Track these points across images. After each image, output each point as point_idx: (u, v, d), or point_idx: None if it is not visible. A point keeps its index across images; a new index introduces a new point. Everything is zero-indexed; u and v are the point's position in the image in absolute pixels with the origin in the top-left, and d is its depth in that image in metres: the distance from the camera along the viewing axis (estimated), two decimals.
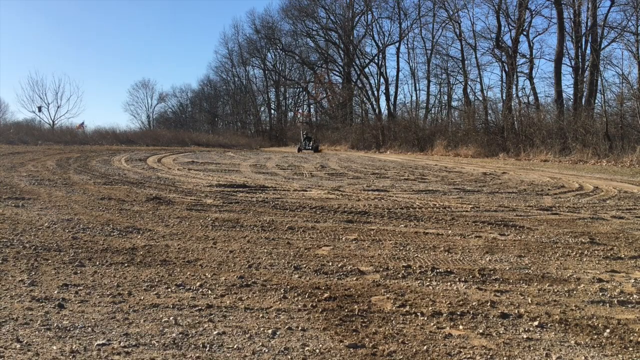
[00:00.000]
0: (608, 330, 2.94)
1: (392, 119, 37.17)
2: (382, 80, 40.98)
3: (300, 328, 2.90)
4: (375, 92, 41.58)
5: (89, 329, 2.82)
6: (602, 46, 25.11)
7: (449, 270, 4.13)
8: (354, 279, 3.88)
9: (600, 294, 3.61)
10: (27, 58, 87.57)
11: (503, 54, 30.15)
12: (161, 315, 3.04)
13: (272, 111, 56.70)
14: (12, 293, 3.36)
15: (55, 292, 3.41)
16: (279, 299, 3.39)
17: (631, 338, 2.84)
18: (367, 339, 2.76)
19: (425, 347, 2.67)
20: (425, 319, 3.08)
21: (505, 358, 2.59)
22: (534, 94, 28.51)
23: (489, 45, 31.88)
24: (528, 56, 29.22)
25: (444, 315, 3.14)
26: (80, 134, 38.23)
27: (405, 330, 2.89)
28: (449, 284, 3.79)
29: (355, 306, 3.26)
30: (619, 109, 22.59)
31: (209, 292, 3.49)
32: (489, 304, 3.34)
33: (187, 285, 3.63)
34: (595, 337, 2.86)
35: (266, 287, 3.61)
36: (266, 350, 2.60)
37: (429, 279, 3.90)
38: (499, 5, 29.80)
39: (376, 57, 41.68)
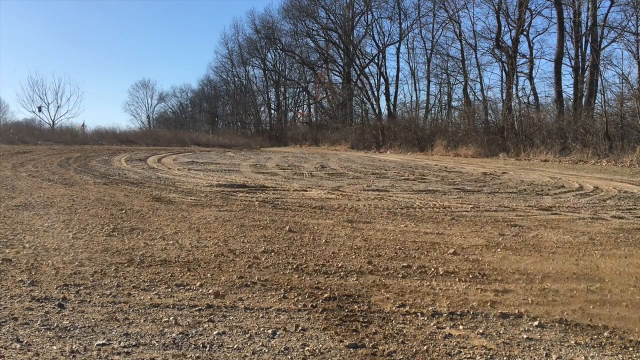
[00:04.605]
0: (608, 330, 2.94)
1: (392, 119, 37.13)
2: (382, 80, 40.95)
3: (300, 328, 2.90)
4: (375, 92, 41.56)
5: (89, 329, 2.82)
6: (602, 46, 25.10)
7: (449, 270, 4.13)
8: (354, 279, 3.88)
9: (600, 294, 3.61)
10: (27, 58, 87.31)
11: (503, 54, 30.14)
12: (161, 315, 3.04)
13: (272, 111, 56.66)
14: (12, 293, 3.36)
15: (55, 292, 3.41)
16: (279, 299, 3.39)
17: (631, 338, 2.84)
18: (367, 339, 2.76)
19: (425, 347, 2.67)
20: (425, 319, 3.08)
21: (505, 358, 2.59)
22: (534, 94, 28.50)
23: (489, 45, 31.87)
24: (528, 56, 29.21)
25: (444, 315, 3.14)
26: (80, 134, 38.18)
27: (405, 330, 2.89)
28: (449, 284, 3.79)
29: (355, 306, 3.26)
30: (619, 109, 22.58)
31: (209, 292, 3.49)
32: (489, 304, 3.34)
33: (187, 285, 3.63)
34: (595, 337, 2.86)
35: (266, 287, 3.62)
36: (266, 350, 2.60)
37: (429, 279, 3.90)
38: (499, 5, 29.80)
39: (376, 57, 41.65)
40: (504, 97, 29.20)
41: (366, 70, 42.88)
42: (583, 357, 2.61)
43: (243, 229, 5.60)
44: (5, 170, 12.01)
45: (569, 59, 26.94)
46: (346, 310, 3.20)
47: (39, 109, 44.92)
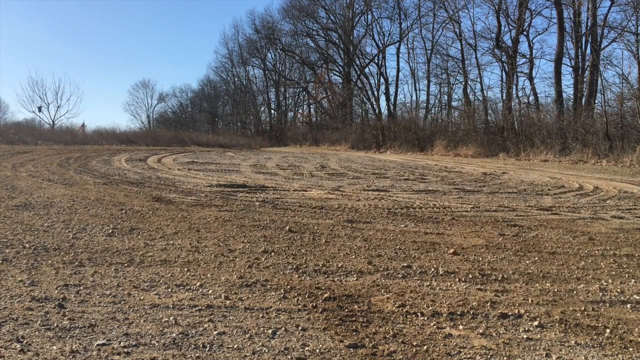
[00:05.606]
0: (608, 330, 2.94)
1: (392, 119, 37.13)
2: (382, 80, 40.96)
3: (300, 328, 2.90)
4: (375, 92, 41.56)
5: (89, 329, 2.82)
6: (602, 46, 25.10)
7: (449, 270, 4.13)
8: (354, 279, 3.88)
9: (600, 294, 3.61)
10: (27, 58, 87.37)
11: (503, 54, 30.14)
12: (161, 315, 3.04)
13: (272, 111, 56.67)
14: (12, 293, 3.37)
15: (55, 292, 3.41)
16: (279, 299, 3.39)
17: (631, 338, 2.84)
18: (367, 339, 2.76)
19: (425, 347, 2.67)
20: (425, 319, 3.08)
21: (505, 358, 2.59)
22: (534, 94, 28.50)
23: (489, 45, 31.88)
24: (528, 56, 29.21)
25: (444, 315, 3.14)
26: (80, 134, 38.19)
27: (405, 330, 2.90)
28: (449, 284, 3.79)
29: (355, 306, 3.26)
30: (619, 109, 22.59)
31: (209, 292, 3.49)
32: (489, 304, 3.34)
33: (187, 285, 3.63)
34: (595, 337, 2.86)
35: (266, 287, 3.62)
36: (266, 350, 2.60)
37: (429, 279, 3.90)
38: (499, 5, 29.80)
39: (376, 57, 41.65)
40: (504, 97, 29.22)
41: (366, 70, 42.91)
42: (583, 357, 2.61)
43: (243, 229, 5.60)
44: (5, 170, 12.01)
45: (569, 59, 26.96)
46: (346, 310, 3.20)
47: (39, 109, 44.93)
